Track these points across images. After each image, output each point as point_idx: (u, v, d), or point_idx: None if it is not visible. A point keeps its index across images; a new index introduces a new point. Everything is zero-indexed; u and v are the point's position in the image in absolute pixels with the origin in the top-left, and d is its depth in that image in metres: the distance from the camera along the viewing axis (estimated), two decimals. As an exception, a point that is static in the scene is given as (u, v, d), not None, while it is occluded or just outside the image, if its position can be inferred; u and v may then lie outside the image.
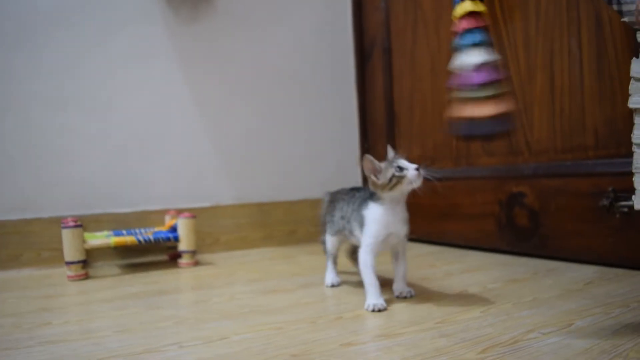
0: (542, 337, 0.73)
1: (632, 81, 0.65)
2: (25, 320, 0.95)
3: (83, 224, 1.40)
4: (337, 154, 2.01)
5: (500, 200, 1.46)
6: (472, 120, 0.84)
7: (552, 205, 1.31)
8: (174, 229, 1.50)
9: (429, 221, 1.73)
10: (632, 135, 0.65)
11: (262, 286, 1.18)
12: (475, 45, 0.85)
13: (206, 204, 1.74)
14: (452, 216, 1.63)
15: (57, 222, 1.48)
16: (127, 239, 1.39)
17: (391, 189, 0.94)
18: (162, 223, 1.64)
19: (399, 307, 0.94)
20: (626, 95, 0.68)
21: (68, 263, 1.32)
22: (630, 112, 0.68)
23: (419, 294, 1.04)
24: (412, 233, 1.80)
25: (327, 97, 1.99)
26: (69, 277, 1.33)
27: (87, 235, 1.43)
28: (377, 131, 1.98)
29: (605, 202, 1.17)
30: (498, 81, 0.84)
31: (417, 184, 0.92)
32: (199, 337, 0.81)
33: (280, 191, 1.89)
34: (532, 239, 1.36)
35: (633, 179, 0.65)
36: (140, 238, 1.40)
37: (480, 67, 0.83)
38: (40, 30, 1.52)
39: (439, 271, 1.27)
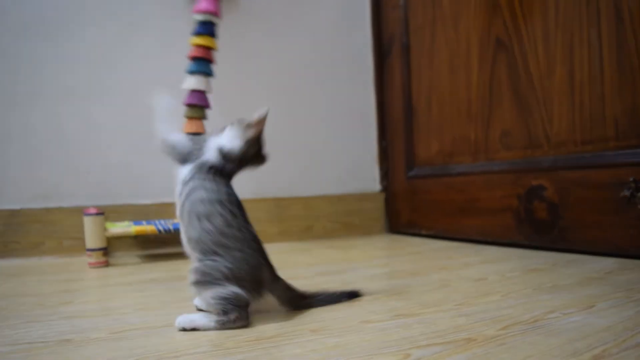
0: (563, 317, 0.73)
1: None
2: (47, 300, 0.97)
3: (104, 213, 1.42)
4: (355, 150, 2.02)
5: (519, 193, 1.45)
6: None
7: (571, 198, 1.30)
8: (192, 221, 1.51)
9: (446, 217, 1.73)
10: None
11: (279, 273, 1.18)
12: (195, 72, 1.03)
13: (224, 198, 1.75)
14: (470, 211, 1.62)
15: (79, 212, 1.51)
16: (148, 227, 1.41)
17: None
18: (180, 215, 1.66)
19: (416, 292, 0.94)
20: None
21: (89, 250, 1.34)
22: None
23: (437, 281, 1.03)
24: (429, 229, 1.81)
25: (346, 93, 2.00)
26: (89, 264, 1.34)
27: (108, 224, 1.45)
28: (395, 128, 1.98)
29: (626, 192, 1.16)
30: (201, 107, 1.03)
31: None
32: (219, 314, 0.82)
33: (298, 187, 1.90)
34: (552, 232, 1.35)
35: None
36: (160, 227, 1.42)
37: (192, 91, 1.03)
38: (66, 25, 1.56)
39: (457, 262, 1.26)
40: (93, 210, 1.35)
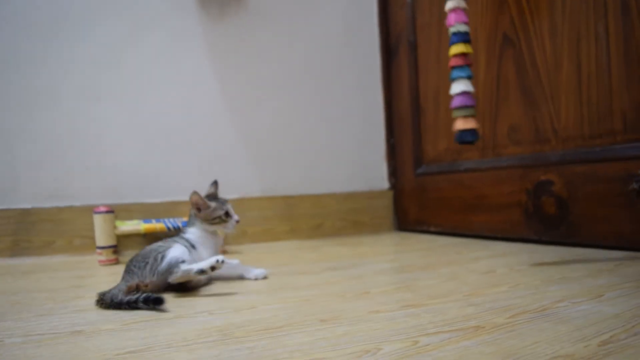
0: (571, 306, 0.73)
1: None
2: (59, 295, 0.98)
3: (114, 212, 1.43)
4: (363, 148, 2.02)
5: (527, 189, 1.45)
6: (457, 131, 1.15)
7: (580, 192, 1.30)
8: (201, 219, 1.53)
9: (454, 213, 1.73)
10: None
11: (289, 269, 1.19)
12: (460, 78, 1.13)
13: (233, 196, 1.76)
14: (478, 207, 1.62)
15: (89, 211, 1.52)
16: (157, 225, 1.42)
17: (211, 224, 1.12)
18: (189, 214, 1.67)
19: (425, 285, 0.94)
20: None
21: (99, 248, 1.35)
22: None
23: (446, 274, 1.03)
24: (437, 226, 1.81)
25: (353, 92, 2.01)
26: (100, 261, 1.36)
27: (118, 222, 1.46)
28: (403, 126, 1.98)
29: (635, 186, 1.15)
30: (471, 106, 1.13)
31: (231, 231, 1.16)
32: (228, 307, 0.83)
33: (307, 185, 1.90)
34: (561, 227, 1.35)
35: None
36: (169, 225, 1.43)
37: (459, 94, 1.13)
38: (76, 23, 1.58)
39: (466, 257, 1.26)
40: (103, 209, 1.37)
